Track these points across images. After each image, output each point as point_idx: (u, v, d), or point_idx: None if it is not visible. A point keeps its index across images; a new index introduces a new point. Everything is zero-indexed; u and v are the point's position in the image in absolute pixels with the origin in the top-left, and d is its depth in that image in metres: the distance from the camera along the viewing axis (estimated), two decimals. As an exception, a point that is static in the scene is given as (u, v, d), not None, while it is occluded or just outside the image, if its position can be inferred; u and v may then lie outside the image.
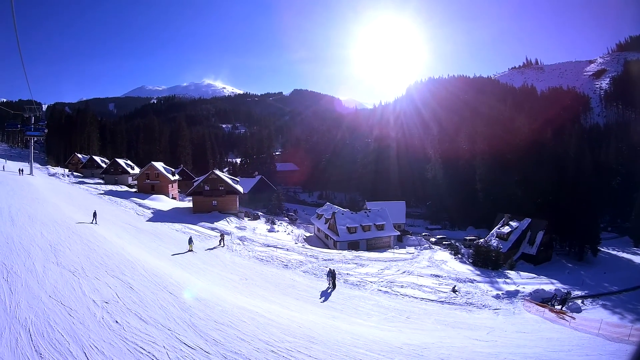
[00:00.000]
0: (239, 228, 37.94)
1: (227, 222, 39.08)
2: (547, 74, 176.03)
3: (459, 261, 34.77)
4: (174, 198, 52.85)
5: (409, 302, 22.16)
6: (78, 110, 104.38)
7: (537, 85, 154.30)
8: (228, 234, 32.29)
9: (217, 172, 45.18)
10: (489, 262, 32.79)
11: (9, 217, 19.99)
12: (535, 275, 31.83)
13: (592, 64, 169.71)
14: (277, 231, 41.03)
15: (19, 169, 45.09)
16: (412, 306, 21.35)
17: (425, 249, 39.06)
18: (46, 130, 52.83)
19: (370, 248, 38.17)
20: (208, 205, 42.58)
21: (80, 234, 19.24)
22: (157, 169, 51.55)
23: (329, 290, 21.11)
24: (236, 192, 44.61)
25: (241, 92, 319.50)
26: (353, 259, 30.96)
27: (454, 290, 24.88)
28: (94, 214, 24.34)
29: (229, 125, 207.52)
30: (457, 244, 42.60)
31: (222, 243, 28.33)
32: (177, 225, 33.83)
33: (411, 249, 38.72)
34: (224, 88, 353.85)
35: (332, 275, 21.81)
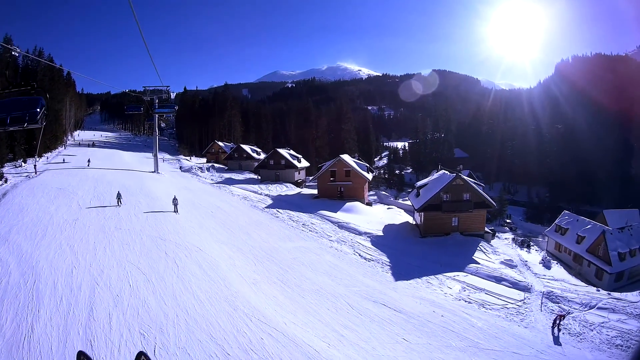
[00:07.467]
0: (508, 264, 24.42)
1: (484, 252, 25.70)
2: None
3: None
4: (368, 204, 39.70)
5: None
6: (215, 93, 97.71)
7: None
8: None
9: (463, 176, 30.47)
10: None
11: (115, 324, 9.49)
12: None
13: None
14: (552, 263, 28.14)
15: (88, 160, 36.29)
16: None
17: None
18: (176, 107, 45.32)
19: (632, 277, 27.39)
20: (447, 225, 29.34)
21: None
22: (347, 164, 38.88)
23: None
24: (486, 203, 29.46)
25: (379, 74, 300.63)
26: None
27: None
28: None
29: (375, 107, 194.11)
30: None
31: (558, 326, 16.80)
32: (454, 286, 20.24)
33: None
34: (360, 70, 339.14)
35: None
